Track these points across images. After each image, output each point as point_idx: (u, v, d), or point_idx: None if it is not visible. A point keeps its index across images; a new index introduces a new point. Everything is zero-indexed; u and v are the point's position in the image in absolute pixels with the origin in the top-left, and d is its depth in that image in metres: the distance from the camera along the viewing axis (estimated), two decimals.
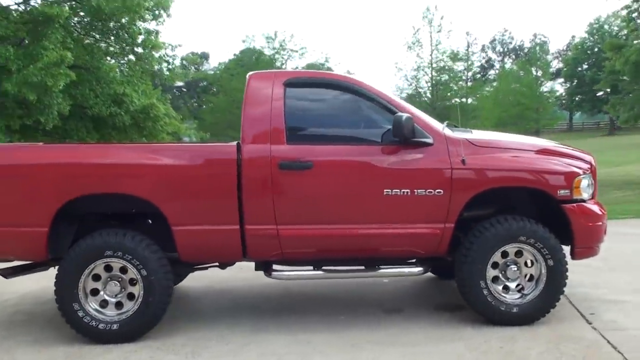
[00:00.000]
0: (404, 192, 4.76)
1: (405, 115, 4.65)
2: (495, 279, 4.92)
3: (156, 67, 19.53)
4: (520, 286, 4.94)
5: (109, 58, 18.95)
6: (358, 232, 4.80)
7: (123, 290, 4.72)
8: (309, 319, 5.21)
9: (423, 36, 44.99)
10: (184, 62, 35.92)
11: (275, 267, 5.10)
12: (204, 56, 68.34)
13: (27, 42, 15.75)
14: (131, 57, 19.34)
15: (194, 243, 4.76)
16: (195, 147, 5.10)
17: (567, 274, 4.93)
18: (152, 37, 18.84)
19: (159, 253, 4.69)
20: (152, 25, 19.06)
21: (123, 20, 17.64)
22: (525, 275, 4.95)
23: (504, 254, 4.91)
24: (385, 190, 4.75)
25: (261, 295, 6.14)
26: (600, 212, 5.06)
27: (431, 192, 4.77)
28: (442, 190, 4.77)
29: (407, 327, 4.95)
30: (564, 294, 5.76)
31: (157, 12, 18.69)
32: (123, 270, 4.69)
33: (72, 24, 16.87)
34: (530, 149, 5.09)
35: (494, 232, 4.82)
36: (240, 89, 6.20)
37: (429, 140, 4.82)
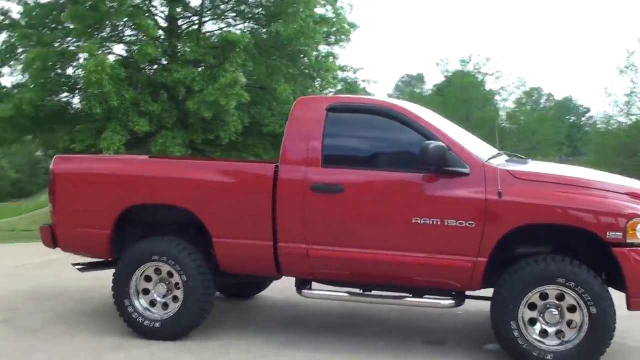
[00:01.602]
0: (434, 221, 4.67)
1: (433, 144, 4.57)
2: (532, 322, 4.60)
3: (333, 88, 20.56)
4: (562, 333, 4.57)
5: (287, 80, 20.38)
6: (386, 259, 4.79)
7: (169, 292, 5.17)
8: (344, 340, 5.25)
9: (638, 60, 41.02)
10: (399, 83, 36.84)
11: (314, 285, 5.26)
12: (420, 78, 71.67)
13: (214, 65, 17.58)
14: (309, 80, 20.60)
15: (232, 255, 5.09)
16: (236, 165, 5.44)
17: (614, 325, 4.46)
18: (330, 60, 19.90)
19: (200, 262, 5.07)
20: (335, 50, 20.25)
21: (300, 46, 18.87)
22: (570, 322, 4.56)
23: (544, 296, 4.58)
24: (414, 218, 4.70)
25: (323, 313, 6.26)
26: None
27: (462, 223, 4.62)
28: (474, 223, 4.59)
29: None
30: None
31: (336, 37, 19.76)
32: (170, 274, 5.14)
33: (253, 48, 18.34)
34: (584, 185, 4.70)
35: (528, 272, 4.52)
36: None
37: (465, 170, 4.68)
